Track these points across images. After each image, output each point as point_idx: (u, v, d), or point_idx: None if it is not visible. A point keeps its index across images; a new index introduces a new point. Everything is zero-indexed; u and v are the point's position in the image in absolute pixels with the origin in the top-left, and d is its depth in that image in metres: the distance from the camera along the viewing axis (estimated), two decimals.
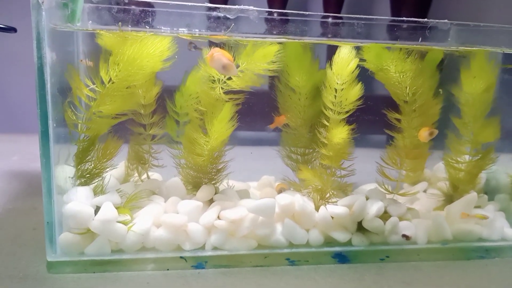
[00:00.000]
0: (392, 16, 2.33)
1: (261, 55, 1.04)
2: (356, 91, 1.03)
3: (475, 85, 1.08)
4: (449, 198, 1.21)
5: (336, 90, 1.05)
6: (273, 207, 1.01)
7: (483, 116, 1.12)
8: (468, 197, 1.13)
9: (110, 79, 0.97)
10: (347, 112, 1.05)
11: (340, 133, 1.03)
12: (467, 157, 1.17)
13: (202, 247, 1.02)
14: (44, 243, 1.06)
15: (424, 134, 1.08)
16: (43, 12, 0.84)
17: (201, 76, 1.07)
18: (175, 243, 1.01)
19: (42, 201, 1.30)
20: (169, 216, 1.00)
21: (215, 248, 1.02)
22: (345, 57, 1.03)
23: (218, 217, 1.03)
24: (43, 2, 0.84)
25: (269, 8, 2.29)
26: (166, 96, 1.16)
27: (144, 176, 1.22)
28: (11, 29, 1.27)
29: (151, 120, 1.17)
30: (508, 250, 1.14)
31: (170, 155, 1.17)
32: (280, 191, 1.26)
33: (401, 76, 1.03)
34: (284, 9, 2.26)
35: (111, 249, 0.98)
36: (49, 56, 0.87)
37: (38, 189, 1.42)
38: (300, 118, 1.19)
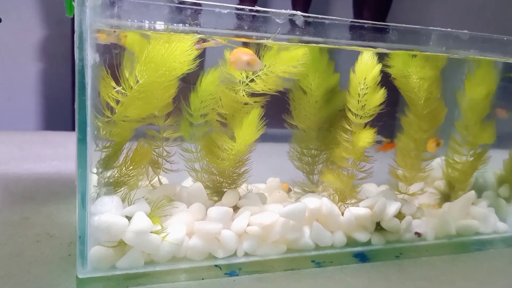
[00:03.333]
0: (354, 16, 2.43)
1: (286, 58, 1.03)
2: (380, 96, 1.06)
3: (479, 91, 1.16)
4: (445, 196, 1.29)
5: (359, 94, 1.07)
6: (304, 211, 1.02)
7: (481, 119, 1.21)
8: (468, 195, 1.22)
9: (137, 81, 0.91)
10: (371, 116, 1.08)
11: (366, 137, 1.06)
12: (463, 158, 1.25)
13: (234, 254, 1.00)
14: (55, 257, 1.00)
15: (432, 145, 1.15)
16: (87, 10, 0.77)
17: (220, 76, 1.05)
18: (207, 251, 0.98)
19: (32, 210, 1.22)
20: (204, 224, 0.97)
21: (246, 254, 1.01)
22: (368, 63, 1.06)
23: (248, 223, 1.01)
24: None
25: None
26: (181, 96, 1.11)
27: (154, 180, 1.16)
28: None
29: (166, 123, 1.11)
30: (500, 242, 1.25)
31: (183, 159, 1.13)
32: (289, 190, 1.27)
33: (421, 82, 1.08)
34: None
35: (144, 260, 0.93)
36: (91, 58, 0.80)
37: (20, 195, 1.30)
38: (311, 120, 1.20)
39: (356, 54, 1.08)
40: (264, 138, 1.38)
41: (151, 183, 1.15)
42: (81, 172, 0.84)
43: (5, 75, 2.11)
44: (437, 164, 1.30)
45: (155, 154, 1.13)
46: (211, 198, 1.10)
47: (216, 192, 1.10)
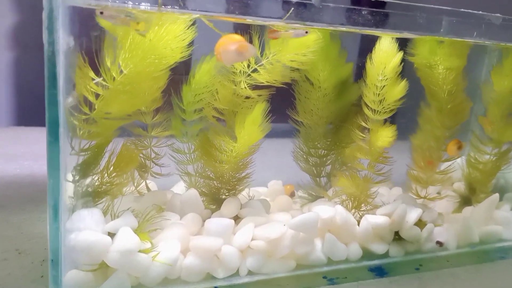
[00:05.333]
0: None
1: (295, 45, 0.89)
2: (401, 88, 0.93)
3: (507, 84, 1.04)
4: (465, 200, 1.17)
5: (377, 87, 0.94)
6: (316, 222, 0.88)
7: (507, 114, 1.09)
8: (492, 198, 1.10)
9: (121, 72, 0.76)
10: (390, 111, 0.94)
11: (385, 136, 0.93)
12: (486, 157, 1.13)
13: (236, 273, 0.86)
14: (26, 279, 0.86)
15: (453, 147, 1.02)
16: None
17: (217, 66, 0.91)
18: (205, 271, 0.84)
19: (11, 211, 1.06)
20: (201, 239, 0.83)
21: (250, 273, 0.87)
22: (388, 50, 0.92)
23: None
24: None
25: None
26: (172, 89, 0.96)
27: (141, 186, 1.01)
28: None
29: (154, 120, 0.96)
30: None
31: (174, 161, 0.99)
32: (292, 194, 1.14)
33: (447, 73, 0.95)
34: None
35: (130, 285, 0.78)
36: (64, 41, 0.64)
37: None
38: (319, 115, 1.06)
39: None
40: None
41: (137, 189, 1.01)
42: (53, 182, 0.68)
43: None
44: (457, 165, 1.17)
45: (142, 156, 0.98)
46: (207, 207, 0.96)
47: (214, 200, 0.96)
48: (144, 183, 1.00)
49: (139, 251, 0.78)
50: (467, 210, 1.14)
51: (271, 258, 0.88)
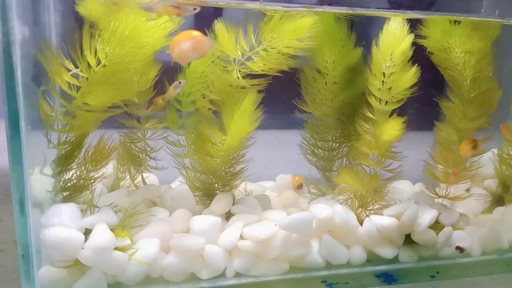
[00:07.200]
0: None
1: (291, 30, 0.82)
2: (410, 75, 0.83)
3: None
4: (498, 199, 1.04)
5: (384, 74, 0.84)
6: (310, 223, 0.81)
7: None
8: None
9: (99, 61, 0.73)
10: (399, 101, 0.85)
11: (391, 129, 0.83)
12: None
13: (222, 274, 0.81)
14: (16, 272, 0.84)
15: (466, 147, 0.89)
16: None
17: (212, 54, 0.85)
18: (188, 271, 0.80)
19: (10, 210, 1.07)
20: (182, 238, 0.78)
21: (238, 275, 0.82)
22: (397, 33, 0.82)
23: (241, 236, 0.82)
24: None
25: None
26: (166, 79, 0.91)
27: (138, 179, 0.98)
28: None
29: (147, 111, 0.93)
30: None
31: (171, 153, 0.95)
32: (299, 186, 1.07)
33: (467, 58, 0.84)
34: None
35: (107, 283, 0.75)
36: (19, 31, 0.62)
37: (3, 193, 1.16)
38: (327, 106, 0.98)
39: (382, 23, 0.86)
40: (276, 125, 1.19)
41: (135, 183, 0.98)
42: (17, 178, 0.66)
43: None
44: (488, 159, 1.05)
45: (136, 149, 0.95)
46: (203, 203, 0.91)
47: (208, 195, 0.92)
48: (140, 176, 0.98)
49: (116, 248, 0.75)
50: (499, 210, 1.01)
51: (261, 259, 0.82)
